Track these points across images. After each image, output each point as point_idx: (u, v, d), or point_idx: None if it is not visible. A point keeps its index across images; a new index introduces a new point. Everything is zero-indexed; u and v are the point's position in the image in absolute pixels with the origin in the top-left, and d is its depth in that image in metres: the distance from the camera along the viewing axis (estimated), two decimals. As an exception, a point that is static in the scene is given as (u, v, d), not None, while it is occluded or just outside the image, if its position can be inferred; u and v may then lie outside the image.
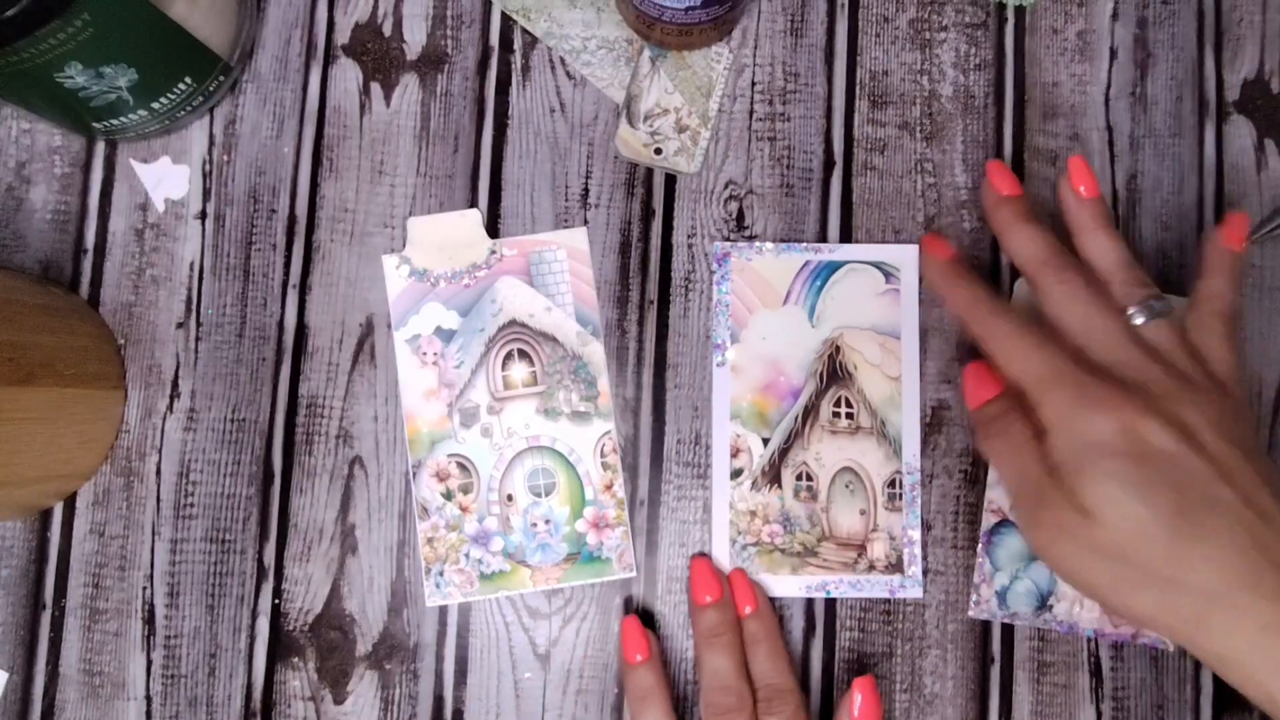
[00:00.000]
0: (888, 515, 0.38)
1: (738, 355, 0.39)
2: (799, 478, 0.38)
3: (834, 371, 0.38)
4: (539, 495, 0.39)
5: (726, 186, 0.40)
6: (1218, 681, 0.38)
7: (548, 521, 0.39)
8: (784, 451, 0.38)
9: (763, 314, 0.39)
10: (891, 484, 0.38)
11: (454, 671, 0.38)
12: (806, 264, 0.39)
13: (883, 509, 0.38)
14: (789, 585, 0.38)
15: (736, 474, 0.38)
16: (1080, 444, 0.30)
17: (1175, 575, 0.28)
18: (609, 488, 0.39)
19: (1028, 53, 0.41)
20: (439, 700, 0.38)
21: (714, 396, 0.38)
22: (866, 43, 0.41)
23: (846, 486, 0.38)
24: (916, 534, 0.38)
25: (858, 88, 0.41)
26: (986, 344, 0.33)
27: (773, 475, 0.38)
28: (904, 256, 0.39)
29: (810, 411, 0.38)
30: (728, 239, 0.40)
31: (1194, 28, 0.41)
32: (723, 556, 0.38)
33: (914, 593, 0.38)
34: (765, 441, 0.38)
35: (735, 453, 0.38)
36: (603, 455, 0.39)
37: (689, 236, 0.40)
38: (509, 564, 0.38)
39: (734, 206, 0.40)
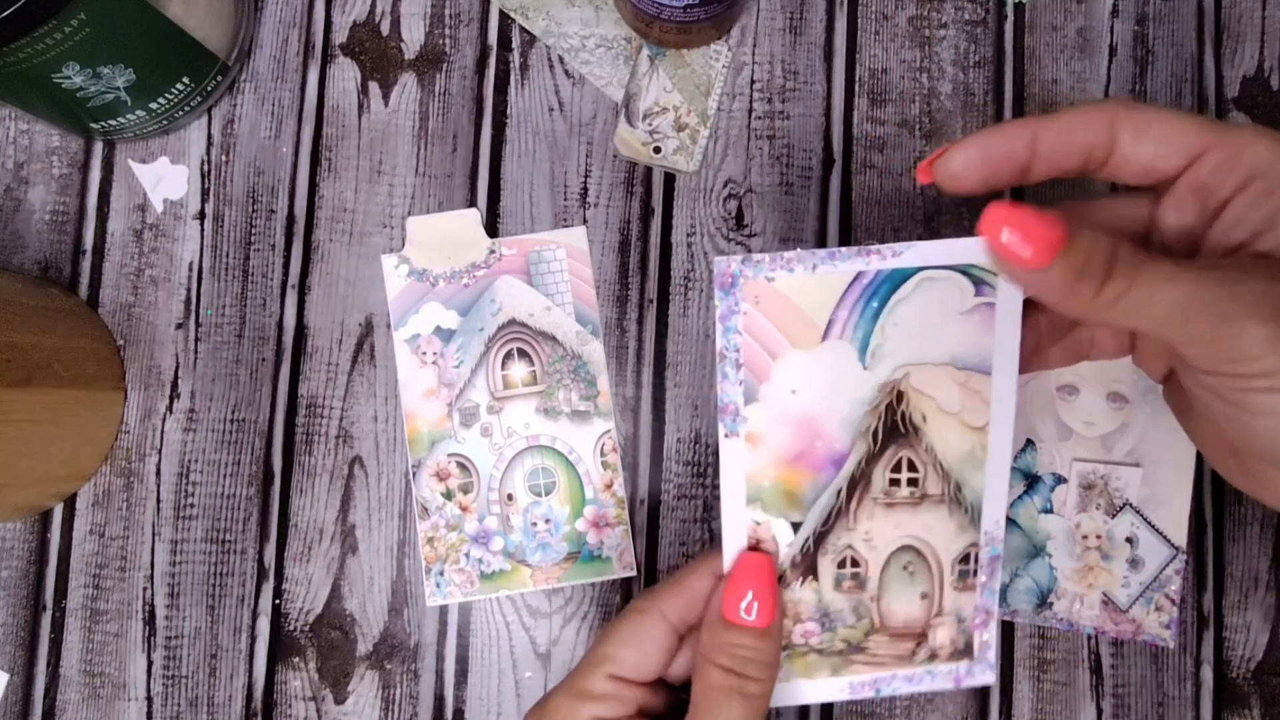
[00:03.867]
0: (957, 596, 0.29)
1: (755, 420, 0.28)
2: (842, 565, 0.29)
3: (894, 427, 0.28)
4: (539, 495, 0.39)
5: (726, 185, 0.40)
6: (1218, 678, 0.38)
7: (548, 521, 0.39)
8: (822, 536, 0.28)
9: (792, 358, 0.27)
10: (964, 559, 0.29)
11: (455, 671, 0.38)
12: (858, 278, 0.27)
13: (951, 589, 0.29)
14: (829, 689, 0.29)
15: None
16: None
17: None
18: (609, 487, 0.39)
19: (1027, 50, 0.41)
20: (440, 700, 0.38)
21: (723, 476, 0.28)
22: (866, 40, 0.41)
23: (905, 568, 0.29)
24: (994, 611, 0.29)
25: (857, 85, 0.41)
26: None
27: (806, 567, 0.29)
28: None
29: (859, 482, 0.28)
30: (728, 239, 0.40)
31: (1193, 24, 0.41)
32: None
33: (985, 679, 0.30)
34: (795, 527, 0.28)
35: (755, 545, 0.28)
36: (603, 454, 0.39)
37: (688, 235, 0.40)
38: (509, 563, 0.38)
39: (733, 205, 0.40)
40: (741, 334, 0.27)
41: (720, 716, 0.26)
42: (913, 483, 0.28)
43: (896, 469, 0.28)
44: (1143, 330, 0.26)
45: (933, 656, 0.29)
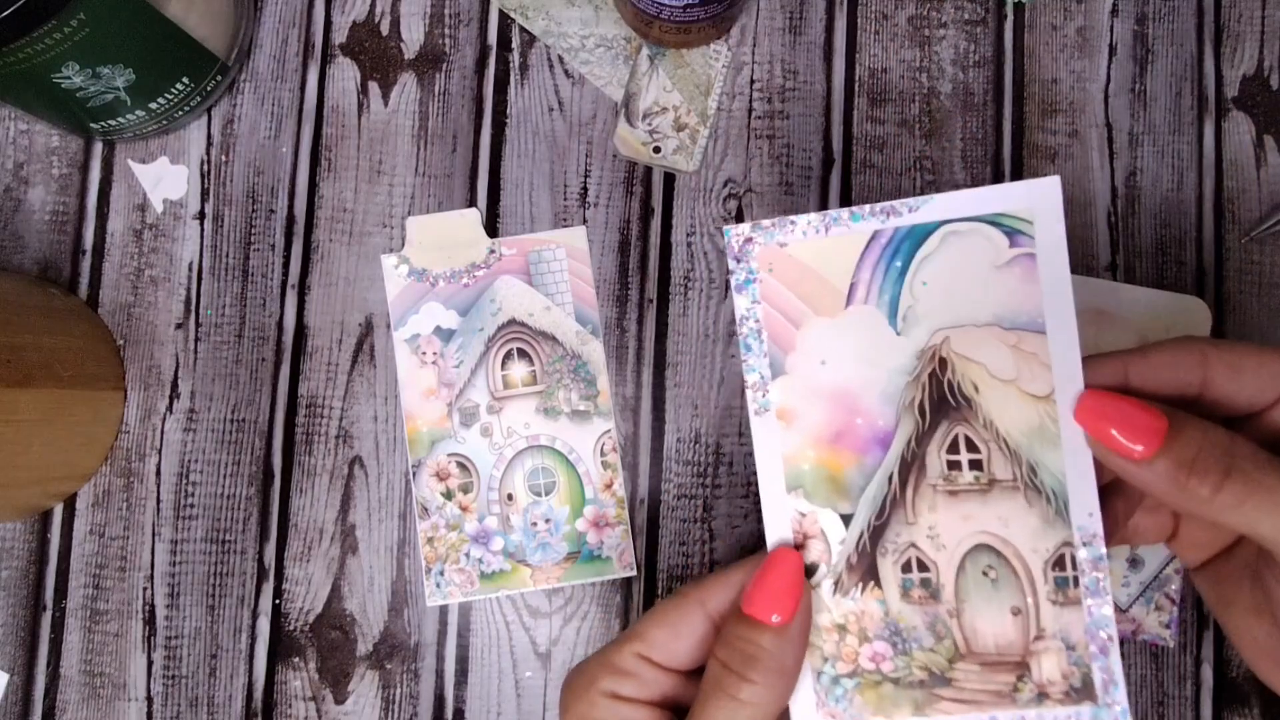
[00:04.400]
0: (1059, 613, 0.24)
1: (785, 394, 0.26)
2: (907, 568, 0.25)
3: (942, 399, 0.25)
4: (539, 494, 0.39)
5: (725, 185, 0.40)
6: (1218, 677, 0.38)
7: (548, 520, 0.39)
8: (878, 531, 0.25)
9: (817, 326, 0.26)
10: (1059, 563, 0.25)
11: (455, 671, 0.38)
12: (875, 238, 0.25)
13: (1048, 603, 0.24)
14: None
15: (809, 572, 0.26)
16: None
17: None
18: (609, 486, 0.39)
19: (1027, 49, 0.41)
20: (440, 700, 0.38)
21: (759, 458, 0.26)
22: (865, 40, 0.41)
23: (985, 573, 0.25)
24: (1113, 635, 0.24)
25: (857, 85, 0.41)
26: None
27: (865, 568, 0.25)
28: (1036, 197, 0.25)
29: (912, 464, 0.25)
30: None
31: (1193, 24, 0.41)
32: (806, 701, 0.25)
33: None
34: (846, 520, 0.26)
35: (802, 541, 0.26)
36: (603, 454, 0.39)
37: (688, 235, 0.40)
38: (509, 563, 0.38)
39: (733, 205, 0.40)
40: (760, 303, 0.26)
41: (706, 716, 0.24)
42: (976, 465, 0.25)
43: (954, 448, 0.25)
44: (1249, 534, 0.23)
45: (1042, 695, 0.24)
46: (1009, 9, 0.41)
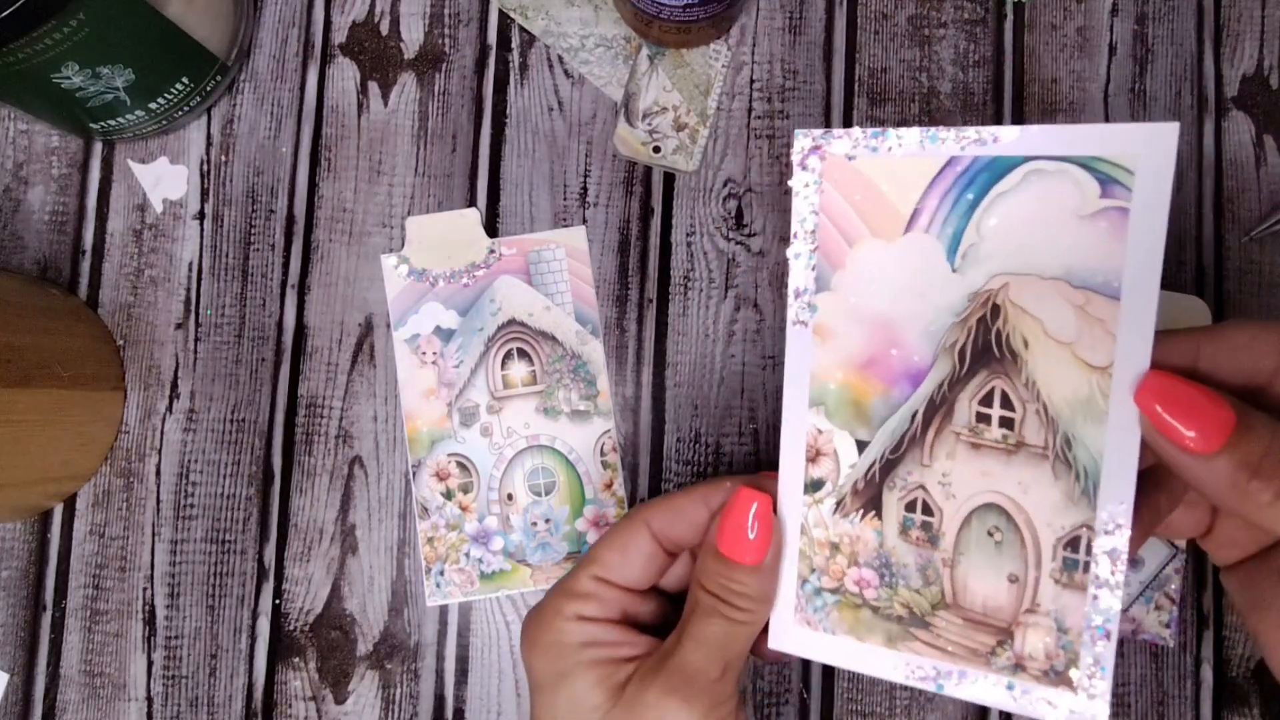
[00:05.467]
0: (1060, 593, 0.23)
1: (826, 311, 0.25)
2: (911, 507, 0.25)
3: (986, 348, 0.24)
4: (539, 494, 0.39)
5: (725, 184, 0.40)
6: (1218, 677, 0.38)
7: (548, 520, 0.39)
8: (890, 465, 0.25)
9: (871, 248, 0.25)
10: (1072, 544, 0.23)
11: (455, 671, 0.38)
12: (950, 164, 0.23)
13: (1050, 580, 0.23)
14: (878, 661, 0.25)
15: (815, 486, 0.26)
16: None
17: None
18: (609, 486, 0.39)
19: (1027, 49, 0.41)
20: (440, 700, 0.38)
21: (788, 369, 0.26)
22: (865, 40, 0.41)
23: (990, 534, 0.24)
24: (1112, 631, 0.23)
25: (856, 85, 0.41)
26: None
27: (870, 497, 0.25)
28: (1146, 143, 0.22)
29: (940, 408, 0.24)
30: (727, 238, 0.40)
31: (1193, 23, 0.41)
32: (786, 602, 0.26)
33: None
34: (861, 446, 0.25)
35: (814, 456, 0.26)
36: (602, 454, 0.39)
37: (688, 235, 0.40)
38: (509, 563, 0.38)
39: (733, 205, 0.40)
40: (819, 214, 0.25)
41: (704, 632, 0.25)
42: (1006, 423, 0.23)
43: (987, 401, 0.24)
44: None
45: (1018, 667, 0.23)
46: (1009, 9, 0.41)
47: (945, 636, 0.24)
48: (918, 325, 0.24)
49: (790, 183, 0.25)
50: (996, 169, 0.23)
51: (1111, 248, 0.22)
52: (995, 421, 0.23)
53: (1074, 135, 0.22)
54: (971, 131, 0.23)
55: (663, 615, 0.29)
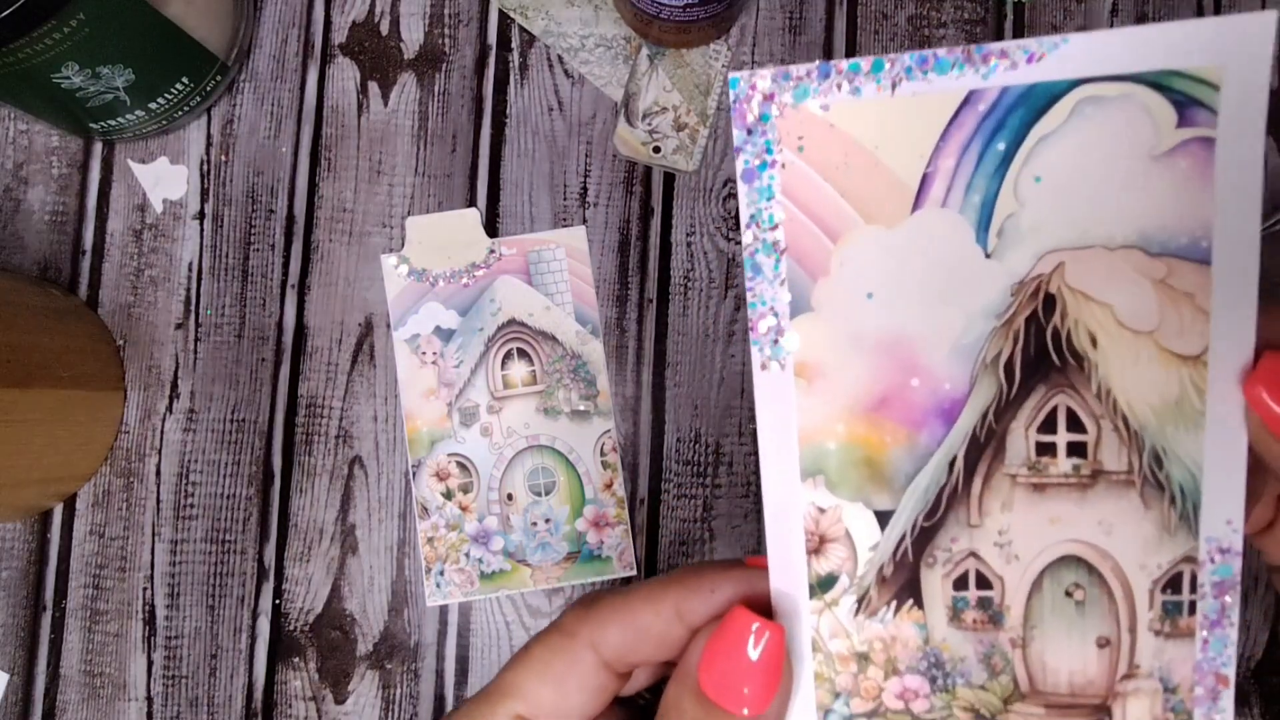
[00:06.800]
0: (1162, 646, 0.18)
1: (809, 341, 0.18)
2: (961, 584, 0.19)
3: (1042, 355, 0.18)
4: (539, 494, 0.39)
5: (725, 184, 0.40)
6: (1218, 677, 0.38)
7: (548, 520, 0.39)
8: (926, 535, 0.19)
9: (865, 240, 0.18)
10: (1173, 583, 0.18)
11: (455, 671, 0.38)
12: (969, 101, 0.17)
13: (1149, 633, 0.18)
14: None
15: (825, 585, 0.19)
16: None
17: None
18: (609, 486, 0.39)
19: (1027, 49, 0.41)
20: (440, 700, 0.38)
21: (763, 431, 0.18)
22: (865, 40, 0.41)
23: (1069, 594, 0.19)
24: (1229, 676, 0.18)
25: (856, 85, 0.41)
26: None
27: (903, 583, 0.19)
28: (1233, 42, 0.16)
29: (986, 446, 0.18)
30: (728, 238, 0.40)
31: (1193, 23, 0.41)
32: None
33: None
34: (883, 519, 0.19)
35: (818, 546, 0.19)
36: (602, 454, 0.39)
37: (688, 235, 0.40)
38: (509, 563, 0.38)
39: (733, 204, 0.40)
40: (780, 200, 0.17)
41: None
42: (1077, 450, 0.18)
43: (1049, 426, 0.18)
44: None
45: None
46: (1009, 9, 0.41)
47: None
48: (944, 340, 0.18)
49: (736, 156, 0.17)
50: (1035, 101, 0.16)
51: (1195, 195, 0.16)
52: (1062, 450, 0.18)
53: (1140, 41, 0.16)
54: (997, 48, 0.16)
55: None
